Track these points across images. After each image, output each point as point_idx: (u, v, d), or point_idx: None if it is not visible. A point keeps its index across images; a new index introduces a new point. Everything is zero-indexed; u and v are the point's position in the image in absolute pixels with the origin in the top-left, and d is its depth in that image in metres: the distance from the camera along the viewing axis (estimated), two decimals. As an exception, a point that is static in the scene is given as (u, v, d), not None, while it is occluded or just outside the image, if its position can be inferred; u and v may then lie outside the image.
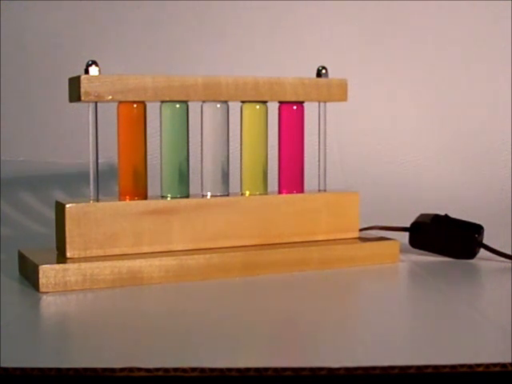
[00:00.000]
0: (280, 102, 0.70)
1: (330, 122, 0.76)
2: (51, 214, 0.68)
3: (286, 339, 0.49)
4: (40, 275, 0.59)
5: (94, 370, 0.41)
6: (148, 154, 0.66)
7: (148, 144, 0.66)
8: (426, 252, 0.74)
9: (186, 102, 0.66)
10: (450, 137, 1.20)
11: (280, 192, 0.71)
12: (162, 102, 0.66)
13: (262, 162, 0.70)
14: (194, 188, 0.68)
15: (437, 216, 0.74)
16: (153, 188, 0.67)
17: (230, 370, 0.41)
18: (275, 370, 0.41)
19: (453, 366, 0.41)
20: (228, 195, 0.68)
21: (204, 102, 0.67)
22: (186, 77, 0.65)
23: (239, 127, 0.70)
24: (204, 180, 0.68)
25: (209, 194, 0.68)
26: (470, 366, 0.41)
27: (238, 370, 0.41)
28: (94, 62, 0.62)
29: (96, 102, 0.63)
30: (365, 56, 1.21)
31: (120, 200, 0.64)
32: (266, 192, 0.70)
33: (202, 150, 0.68)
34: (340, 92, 0.70)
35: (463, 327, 0.50)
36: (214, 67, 1.13)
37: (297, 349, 0.47)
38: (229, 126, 0.68)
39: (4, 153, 1.08)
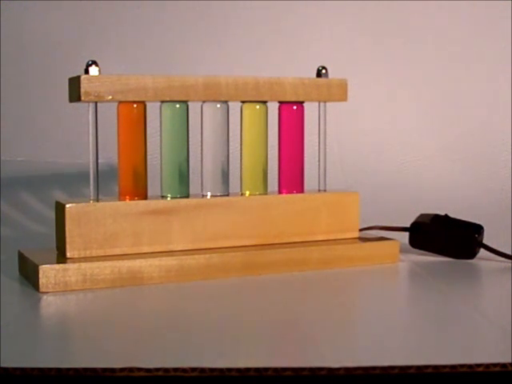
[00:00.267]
0: (280, 102, 0.70)
1: (330, 122, 0.76)
2: (51, 214, 0.68)
3: (286, 339, 0.49)
4: (40, 275, 0.59)
5: (94, 370, 0.41)
6: (148, 154, 0.66)
7: (148, 144, 0.66)
8: (426, 252, 0.74)
9: (185, 102, 0.66)
10: (449, 137, 1.20)
11: (280, 192, 0.71)
12: (162, 101, 0.66)
13: (262, 161, 0.70)
14: (194, 188, 0.68)
15: (437, 216, 0.74)
16: (153, 188, 0.67)
17: (229, 370, 0.41)
18: (275, 369, 0.41)
19: (453, 366, 0.41)
20: (228, 195, 0.68)
21: (204, 102, 0.67)
22: (186, 77, 0.65)
23: (239, 127, 0.70)
24: (204, 180, 0.68)
25: (209, 193, 0.68)
26: (470, 366, 0.41)
27: (238, 369, 0.41)
28: (94, 62, 0.62)
29: (96, 102, 0.63)
30: (365, 56, 1.21)
31: (120, 200, 0.64)
32: (265, 192, 0.70)
33: (202, 149, 0.68)
34: (340, 92, 0.70)
35: (463, 327, 0.50)
36: (213, 67, 1.13)
37: (297, 349, 0.47)
38: (229, 126, 0.68)
39: (4, 153, 1.08)
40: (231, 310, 0.54)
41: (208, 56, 1.16)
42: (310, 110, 0.72)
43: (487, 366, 0.41)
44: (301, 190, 0.71)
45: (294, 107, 0.70)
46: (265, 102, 0.69)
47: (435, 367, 0.41)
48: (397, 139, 1.19)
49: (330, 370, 0.41)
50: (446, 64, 1.22)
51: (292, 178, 0.71)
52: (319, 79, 0.70)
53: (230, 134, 0.68)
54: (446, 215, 0.73)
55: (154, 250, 0.64)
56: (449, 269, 0.69)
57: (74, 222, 0.62)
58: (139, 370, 0.41)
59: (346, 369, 0.41)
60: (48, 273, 0.59)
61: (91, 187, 0.64)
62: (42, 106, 1.12)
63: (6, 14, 1.13)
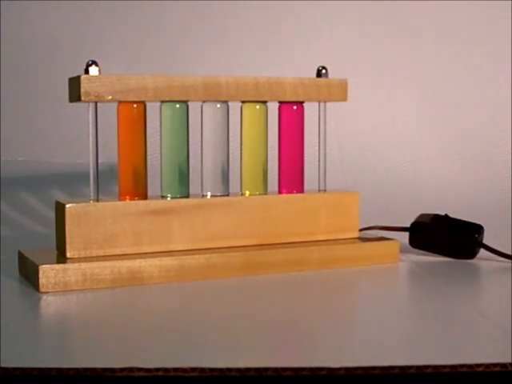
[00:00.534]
0: (280, 102, 0.70)
1: (330, 122, 0.76)
2: (51, 214, 0.68)
3: (286, 339, 0.49)
4: (40, 275, 0.59)
5: (94, 370, 0.41)
6: (148, 154, 0.66)
7: (148, 144, 0.66)
8: (426, 252, 0.74)
9: (185, 102, 0.66)
10: (450, 137, 1.20)
11: (280, 192, 0.71)
12: (162, 101, 0.66)
13: (262, 161, 0.70)
14: (194, 188, 0.68)
15: (437, 216, 0.74)
16: (153, 188, 0.67)
17: (229, 370, 0.41)
18: (275, 370, 0.41)
19: (453, 366, 0.41)
20: (228, 195, 0.68)
21: (204, 101, 0.67)
22: (186, 77, 0.65)
23: (239, 127, 0.70)
24: (204, 180, 0.68)
25: (209, 194, 0.68)
26: (470, 366, 0.41)
27: (238, 370, 0.41)
28: (94, 62, 0.62)
29: (96, 102, 0.63)
30: (365, 56, 1.21)
31: (120, 200, 0.64)
32: (265, 192, 0.70)
33: (202, 150, 0.68)
34: (340, 92, 0.70)
35: (463, 327, 0.50)
36: (214, 67, 1.13)
37: (297, 349, 0.47)
38: (229, 126, 0.68)
39: (4, 153, 1.08)
40: (231, 310, 0.54)
41: (208, 56, 1.16)
42: (310, 110, 0.72)
43: (487, 365, 0.41)
44: (301, 190, 0.71)
45: (294, 107, 0.70)
46: (265, 102, 0.69)
47: (435, 367, 0.41)
48: (397, 139, 1.19)
49: (329, 370, 0.41)
50: (446, 64, 1.22)
51: (292, 178, 0.71)
52: (319, 79, 0.70)
53: (230, 134, 0.68)
54: (446, 215, 0.73)
55: (154, 250, 0.64)
56: (449, 269, 0.69)
57: (74, 221, 0.62)
58: (139, 369, 0.41)
59: (346, 369, 0.41)
60: (48, 273, 0.59)
61: (91, 187, 0.64)
62: (41, 106, 1.12)
63: (6, 14, 1.13)
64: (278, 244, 0.68)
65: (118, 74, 0.63)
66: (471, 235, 0.71)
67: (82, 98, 0.61)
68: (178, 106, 0.66)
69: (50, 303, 0.56)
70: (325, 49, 1.19)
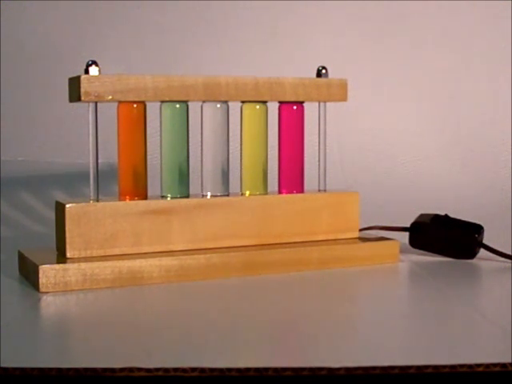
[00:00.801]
0: (280, 102, 0.70)
1: (330, 122, 0.76)
2: (51, 214, 0.68)
3: (286, 339, 0.49)
4: (40, 275, 0.59)
5: (94, 370, 0.41)
6: (148, 154, 0.66)
7: (148, 144, 0.66)
8: (426, 252, 0.74)
9: (186, 102, 0.66)
10: (450, 137, 1.20)
11: (280, 192, 0.71)
12: (162, 101, 0.66)
13: (262, 161, 0.70)
14: (194, 188, 0.68)
15: (437, 216, 0.74)
16: (153, 188, 0.67)
17: (229, 370, 0.41)
18: (275, 370, 0.41)
19: (453, 366, 0.41)
20: (228, 195, 0.68)
21: (204, 102, 0.67)
22: (186, 77, 0.65)
23: (239, 127, 0.70)
24: (204, 180, 0.68)
25: (209, 194, 0.68)
26: (469, 366, 0.41)
27: (238, 370, 0.41)
28: (94, 62, 0.62)
29: (96, 102, 0.63)
30: (365, 56, 1.21)
31: (120, 200, 0.64)
32: (265, 192, 0.70)
33: (202, 149, 0.68)
34: (340, 92, 0.70)
35: (463, 327, 0.50)
36: (214, 67, 1.13)
37: (297, 349, 0.47)
38: (229, 126, 0.68)
39: (4, 153, 1.08)
40: (231, 310, 0.54)
41: (208, 56, 1.17)
42: (310, 110, 0.72)
43: (487, 365, 0.41)
44: (301, 190, 0.71)
45: (294, 107, 0.70)
46: (265, 102, 0.69)
47: (435, 367, 0.41)
48: (397, 139, 1.19)
49: (330, 370, 0.41)
50: (446, 64, 1.22)
51: (292, 178, 0.71)
52: (319, 79, 0.70)
53: (230, 134, 0.68)
54: (446, 215, 0.73)
55: (154, 250, 0.64)
56: (449, 269, 0.69)
57: (74, 222, 0.62)
58: (139, 369, 0.41)
59: (346, 369, 0.41)
60: (48, 273, 0.59)
61: (91, 187, 0.64)
62: (42, 106, 1.12)
63: (6, 14, 1.13)
64: (277, 244, 0.68)
65: (118, 74, 0.63)
66: (471, 235, 0.71)
67: (82, 98, 0.61)
68: (177, 106, 0.66)
69: (49, 303, 0.56)
70: (325, 49, 1.19)
